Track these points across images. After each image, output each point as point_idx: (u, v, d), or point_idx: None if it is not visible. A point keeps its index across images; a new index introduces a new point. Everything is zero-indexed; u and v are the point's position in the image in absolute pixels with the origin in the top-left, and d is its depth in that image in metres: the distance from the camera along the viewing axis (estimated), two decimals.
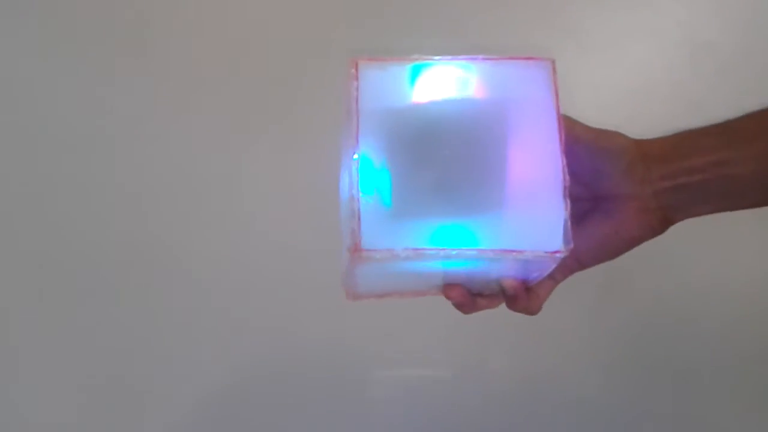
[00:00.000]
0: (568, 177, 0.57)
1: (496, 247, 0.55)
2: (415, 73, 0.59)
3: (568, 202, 0.57)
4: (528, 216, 0.57)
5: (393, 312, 0.79)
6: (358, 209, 0.55)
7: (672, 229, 0.65)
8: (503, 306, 0.67)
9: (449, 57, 0.60)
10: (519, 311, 0.66)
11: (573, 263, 0.67)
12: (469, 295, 0.65)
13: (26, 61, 0.98)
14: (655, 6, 0.89)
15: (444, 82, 0.60)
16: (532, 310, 0.66)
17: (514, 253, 0.56)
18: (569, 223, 0.56)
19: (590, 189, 0.65)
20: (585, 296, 0.89)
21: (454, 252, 0.55)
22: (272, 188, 0.98)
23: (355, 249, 0.54)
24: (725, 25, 0.88)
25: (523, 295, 0.64)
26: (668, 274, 0.88)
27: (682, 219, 0.66)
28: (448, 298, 0.65)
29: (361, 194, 0.55)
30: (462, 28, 0.97)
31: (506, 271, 0.61)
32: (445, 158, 0.57)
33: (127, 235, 0.95)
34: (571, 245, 0.56)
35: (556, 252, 0.56)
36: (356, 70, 0.59)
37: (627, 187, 0.64)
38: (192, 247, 0.97)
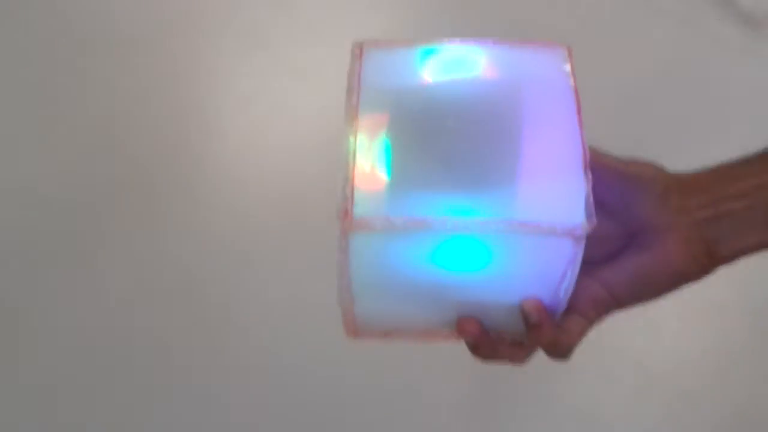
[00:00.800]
0: (588, 152, 0.52)
1: (506, 218, 0.49)
2: (423, 56, 0.56)
3: (590, 176, 0.51)
4: (544, 191, 0.50)
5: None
6: (352, 175, 0.50)
7: None
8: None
9: (459, 40, 0.57)
10: (547, 349, 0.57)
11: (607, 297, 0.59)
12: (486, 334, 0.58)
13: None
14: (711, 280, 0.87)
15: (454, 65, 0.56)
16: (561, 348, 0.57)
17: (527, 227, 0.49)
18: (591, 199, 0.50)
19: (622, 223, 0.59)
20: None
21: (458, 223, 0.49)
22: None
23: (346, 215, 0.49)
24: None
25: (548, 324, 0.56)
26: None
27: (729, 253, 0.58)
28: (461, 333, 0.57)
29: (356, 162, 0.50)
30: None
31: (525, 283, 0.54)
32: (453, 131, 0.52)
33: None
34: (594, 221, 0.49)
35: (576, 227, 0.49)
36: (360, 51, 0.56)
37: (663, 218, 0.58)
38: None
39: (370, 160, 0.51)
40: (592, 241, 0.59)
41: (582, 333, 0.59)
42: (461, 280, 0.54)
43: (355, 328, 0.58)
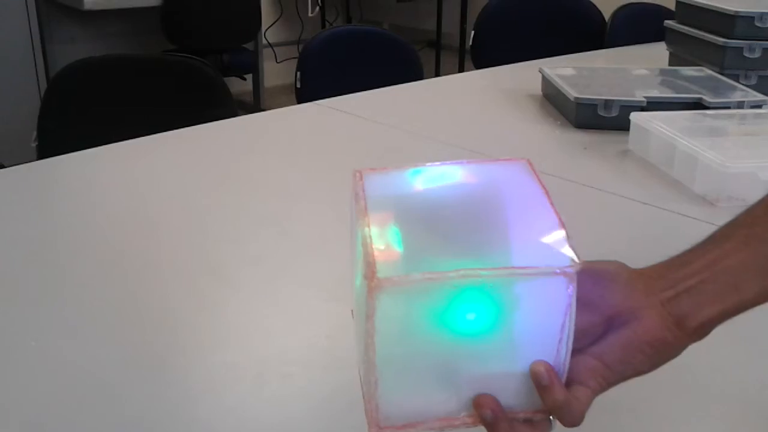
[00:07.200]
0: (562, 219, 0.62)
1: (505, 265, 0.58)
2: (413, 174, 0.68)
3: (567, 233, 0.61)
4: (534, 247, 0.60)
5: None
6: (372, 251, 0.59)
7: None
8: None
9: (440, 163, 0.70)
10: (560, 412, 0.63)
11: (601, 367, 0.66)
12: (502, 409, 0.64)
13: None
14: None
15: (438, 177, 0.68)
16: (573, 412, 0.64)
17: (524, 271, 0.58)
18: (575, 248, 0.59)
19: (599, 313, 0.69)
20: None
21: (465, 274, 0.57)
22: None
23: (373, 277, 0.57)
24: None
25: (558, 384, 0.63)
26: None
27: (696, 324, 0.67)
28: (479, 408, 0.63)
29: (373, 244, 0.60)
30: None
31: (529, 343, 0.61)
32: (448, 217, 0.63)
33: None
34: (580, 262, 0.58)
35: (566, 266, 0.58)
36: (360, 174, 0.68)
37: (634, 300, 0.68)
38: None
39: (383, 242, 0.60)
40: (577, 334, 0.67)
41: (588, 400, 0.65)
42: (474, 348, 0.61)
43: (378, 420, 0.62)
